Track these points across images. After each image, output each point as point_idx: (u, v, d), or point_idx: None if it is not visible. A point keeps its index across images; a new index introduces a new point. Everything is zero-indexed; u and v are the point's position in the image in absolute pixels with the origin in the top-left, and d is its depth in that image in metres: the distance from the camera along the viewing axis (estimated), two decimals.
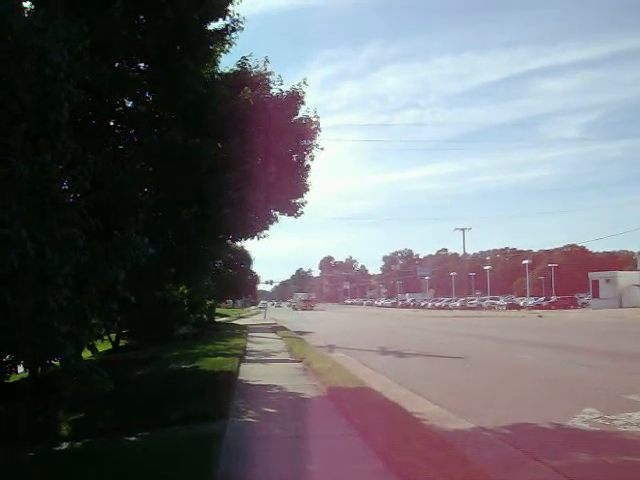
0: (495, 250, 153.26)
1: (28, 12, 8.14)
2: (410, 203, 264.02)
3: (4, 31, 6.29)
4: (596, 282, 72.76)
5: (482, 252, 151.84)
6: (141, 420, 8.88)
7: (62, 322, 6.24)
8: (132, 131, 14.15)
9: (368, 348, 23.65)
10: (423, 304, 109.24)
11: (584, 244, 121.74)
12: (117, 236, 7.71)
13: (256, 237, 19.23)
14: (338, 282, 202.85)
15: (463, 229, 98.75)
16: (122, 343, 24.61)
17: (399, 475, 6.11)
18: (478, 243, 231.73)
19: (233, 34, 14.12)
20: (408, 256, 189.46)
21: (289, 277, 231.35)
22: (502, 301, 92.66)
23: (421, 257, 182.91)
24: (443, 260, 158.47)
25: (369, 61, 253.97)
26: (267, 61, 15.99)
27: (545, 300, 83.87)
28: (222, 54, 14.80)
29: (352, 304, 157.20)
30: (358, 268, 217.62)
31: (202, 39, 13.45)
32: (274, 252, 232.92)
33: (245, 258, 57.96)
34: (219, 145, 13.61)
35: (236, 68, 15.53)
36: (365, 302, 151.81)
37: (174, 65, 12.34)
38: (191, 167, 12.42)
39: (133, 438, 8.26)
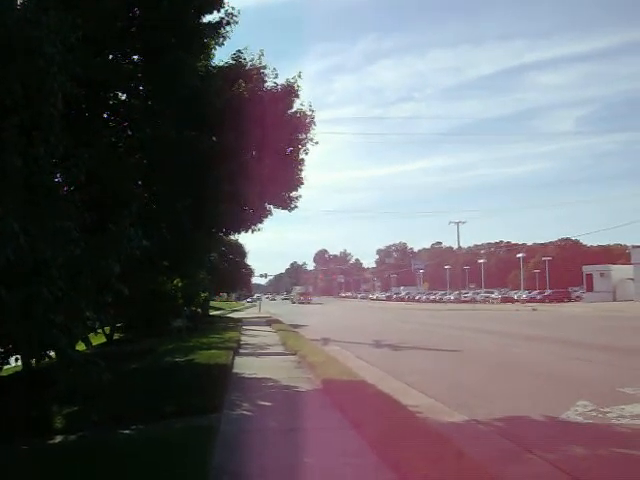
0: (489, 244, 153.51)
1: (20, 4, 8.08)
2: (405, 196, 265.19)
3: None
4: (590, 276, 73.24)
5: (477, 245, 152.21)
6: (136, 413, 8.88)
7: (57, 314, 6.23)
8: (126, 124, 14.10)
9: (362, 341, 23.68)
10: (417, 297, 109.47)
11: (578, 238, 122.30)
12: (111, 229, 7.68)
13: (250, 230, 19.25)
14: (333, 275, 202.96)
15: (458, 222, 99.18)
16: (116, 336, 24.62)
17: (393, 468, 6.13)
18: (473, 236, 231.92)
19: (228, 27, 14.08)
20: (402, 249, 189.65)
21: (283, 270, 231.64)
22: (496, 294, 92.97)
23: (415, 250, 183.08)
24: (438, 253, 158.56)
25: (365, 54, 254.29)
26: (262, 54, 16.00)
27: (539, 293, 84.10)
28: (217, 47, 14.76)
29: (347, 297, 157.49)
30: (352, 261, 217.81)
31: (197, 32, 13.39)
32: (268, 245, 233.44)
33: (239, 251, 57.93)
34: (213, 138, 13.59)
35: (231, 61, 15.50)
36: (360, 295, 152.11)
37: (169, 58, 12.28)
38: (185, 160, 12.38)
39: (128, 431, 8.27)
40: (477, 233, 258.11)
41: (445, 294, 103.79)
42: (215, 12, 13.57)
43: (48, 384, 9.76)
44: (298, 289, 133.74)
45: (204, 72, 14.23)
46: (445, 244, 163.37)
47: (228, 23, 13.97)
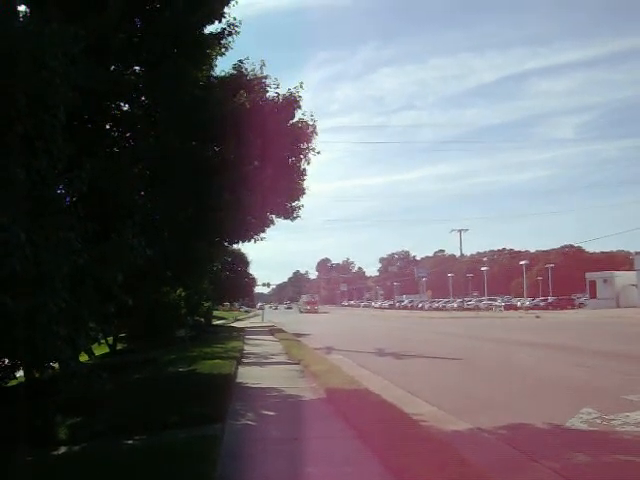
0: (492, 251, 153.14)
1: (23, 16, 8.14)
2: (407, 204, 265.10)
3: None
4: (593, 282, 73.02)
5: (479, 253, 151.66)
6: (139, 423, 8.86)
7: (61, 325, 6.24)
8: (128, 134, 14.14)
9: (366, 350, 23.62)
10: (420, 305, 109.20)
11: (581, 244, 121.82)
12: (114, 239, 7.71)
13: (253, 240, 19.26)
14: (335, 284, 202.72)
15: (460, 230, 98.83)
16: (119, 346, 24.56)
17: (398, 477, 6.11)
18: (475, 244, 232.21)
19: (229, 38, 14.15)
20: (405, 257, 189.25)
21: (286, 279, 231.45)
22: (499, 302, 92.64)
23: (418, 258, 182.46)
24: (440, 261, 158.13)
25: (366, 63, 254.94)
26: (263, 64, 16.00)
27: (542, 301, 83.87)
28: (218, 57, 14.82)
29: (350, 306, 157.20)
30: (355, 270, 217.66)
31: (198, 43, 13.46)
32: (271, 255, 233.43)
33: (242, 261, 57.84)
34: (215, 148, 13.62)
35: (232, 71, 15.53)
36: (362, 304, 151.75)
37: (170, 68, 12.34)
38: (187, 170, 12.41)
39: (131, 441, 8.24)
40: (480, 240, 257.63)
41: (448, 302, 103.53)
42: (217, 23, 13.65)
43: (52, 394, 9.76)
44: (304, 298, 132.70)
45: (206, 82, 14.28)
46: (448, 252, 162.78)
47: (230, 33, 14.04)
